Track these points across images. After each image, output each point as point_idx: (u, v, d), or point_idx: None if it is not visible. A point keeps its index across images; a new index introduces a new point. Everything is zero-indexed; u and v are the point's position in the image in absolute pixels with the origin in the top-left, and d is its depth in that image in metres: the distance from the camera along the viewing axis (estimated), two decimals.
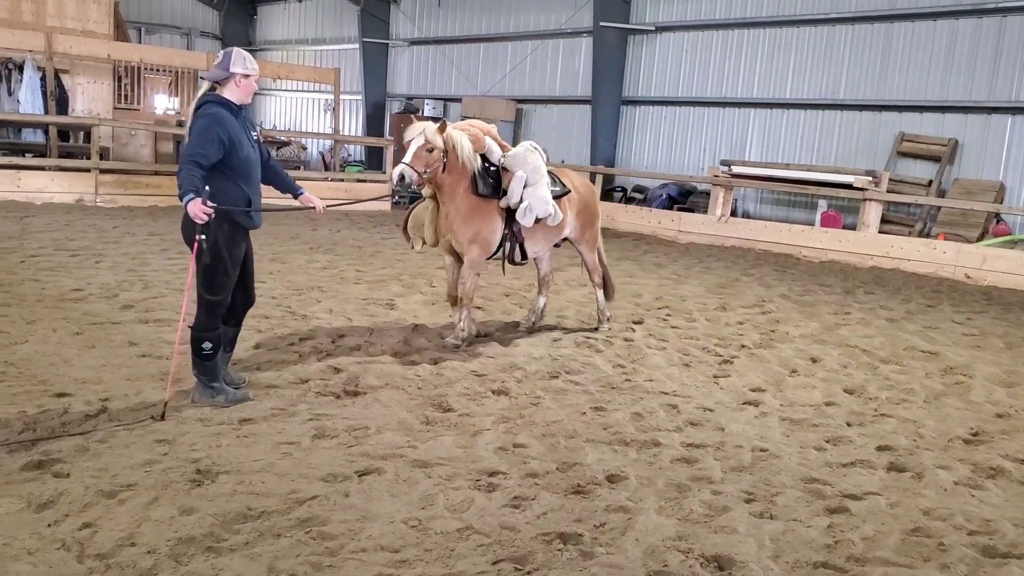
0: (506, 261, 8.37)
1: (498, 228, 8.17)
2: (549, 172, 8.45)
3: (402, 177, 7.47)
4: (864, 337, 9.82)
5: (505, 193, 8.12)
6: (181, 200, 5.54)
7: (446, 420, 6.13)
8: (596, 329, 9.22)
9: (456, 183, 7.86)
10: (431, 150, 7.55)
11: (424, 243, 8.32)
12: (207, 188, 5.57)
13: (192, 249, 5.77)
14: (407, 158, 7.51)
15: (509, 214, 8.19)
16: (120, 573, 3.80)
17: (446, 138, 7.70)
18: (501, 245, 8.26)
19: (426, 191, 8.05)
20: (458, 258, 8.27)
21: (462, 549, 4.20)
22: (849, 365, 8.53)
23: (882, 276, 14.98)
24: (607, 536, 4.45)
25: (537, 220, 8.19)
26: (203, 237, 5.66)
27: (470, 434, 5.86)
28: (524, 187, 8.08)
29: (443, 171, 7.74)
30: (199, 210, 5.45)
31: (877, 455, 5.99)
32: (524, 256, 8.48)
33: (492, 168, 8.18)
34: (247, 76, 5.88)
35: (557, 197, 8.41)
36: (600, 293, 9.38)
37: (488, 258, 8.34)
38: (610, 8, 22.97)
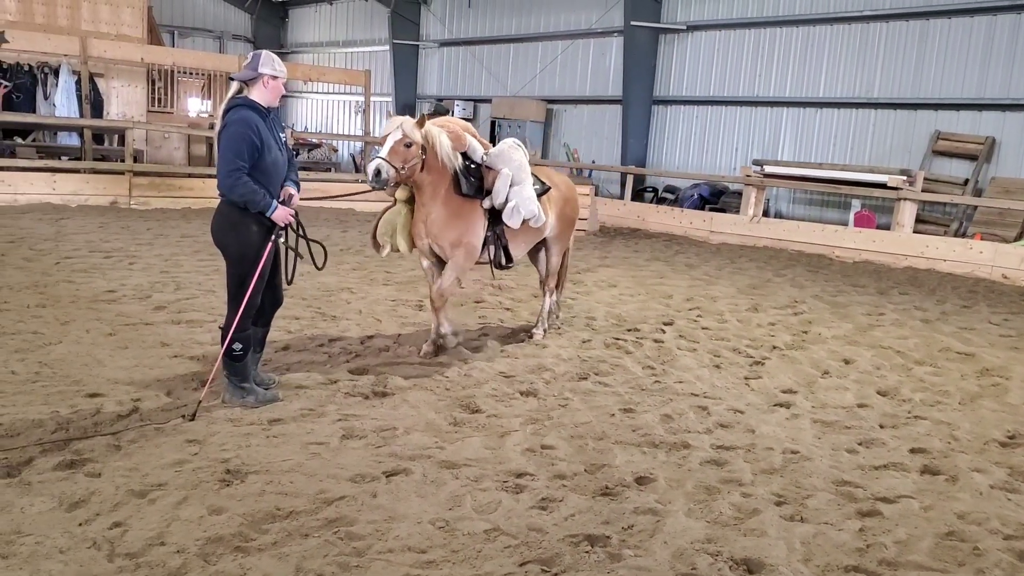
0: (492, 265, 7.96)
1: (482, 230, 7.68)
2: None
3: (378, 172, 6.87)
4: (898, 338, 9.70)
5: (489, 193, 7.64)
6: (265, 212, 5.80)
7: (474, 421, 6.12)
8: (531, 336, 8.66)
9: (437, 183, 7.36)
10: (409, 145, 7.00)
11: (396, 250, 7.74)
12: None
13: (226, 252, 5.94)
14: (383, 152, 6.96)
15: (492, 215, 7.71)
16: (149, 572, 3.83)
17: (425, 133, 7.14)
18: (484, 248, 7.80)
19: (400, 193, 7.51)
20: (439, 261, 7.77)
21: (489, 550, 4.19)
22: (882, 367, 8.43)
23: (917, 277, 14.80)
24: (635, 538, 4.42)
25: (523, 221, 7.76)
26: (282, 240, 6.00)
27: (498, 435, 5.85)
28: (510, 186, 7.61)
29: (422, 169, 7.19)
30: (287, 215, 5.90)
31: (911, 458, 5.90)
32: (509, 259, 7.97)
33: (473, 167, 7.65)
34: (275, 78, 5.92)
35: (539, 195, 7.95)
36: (548, 299, 8.87)
37: (475, 262, 7.91)
38: (641, 7, 22.89)
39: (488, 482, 5.02)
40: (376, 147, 7.29)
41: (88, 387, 6.29)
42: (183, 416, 5.78)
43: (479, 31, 28.98)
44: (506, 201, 7.61)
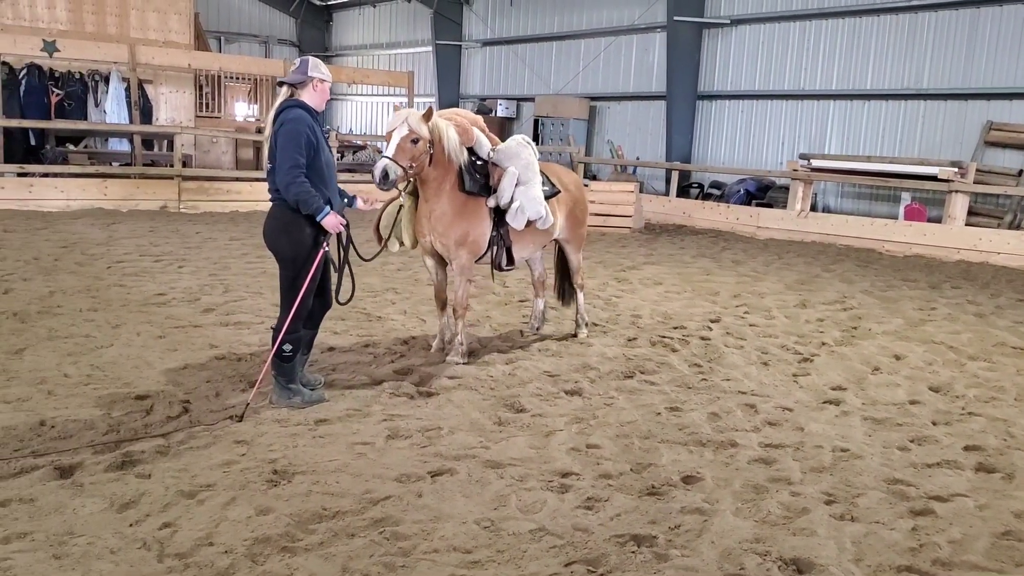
0: (493, 267, 7.63)
1: (488, 229, 7.37)
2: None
3: (385, 175, 6.53)
4: (951, 333, 9.51)
5: (494, 191, 7.34)
6: (316, 216, 5.83)
7: (519, 421, 6.11)
8: (575, 336, 8.60)
9: (441, 178, 7.06)
10: (416, 141, 6.67)
11: (401, 245, 7.50)
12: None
13: (279, 255, 6.02)
14: (389, 151, 6.63)
15: (497, 215, 7.40)
16: (198, 572, 3.86)
17: (432, 127, 6.83)
18: (489, 248, 7.48)
19: (401, 184, 7.06)
20: (440, 260, 7.59)
21: (534, 550, 4.18)
22: (935, 362, 8.27)
23: (969, 270, 14.51)
24: (682, 538, 4.38)
25: (528, 222, 7.43)
26: (327, 248, 6.05)
27: (543, 435, 5.83)
28: (516, 185, 7.29)
29: (428, 164, 6.92)
30: (338, 224, 5.92)
31: (965, 455, 5.78)
32: (511, 261, 7.60)
33: (480, 163, 7.36)
34: (324, 81, 6.00)
35: (548, 198, 7.64)
36: (581, 296, 8.71)
37: (476, 261, 7.56)
38: (684, 2, 22.71)
39: (533, 481, 5.01)
40: (382, 143, 7.08)
41: (138, 389, 6.38)
42: (231, 417, 5.84)
43: (521, 30, 28.97)
44: (511, 201, 7.32)
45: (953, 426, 6.39)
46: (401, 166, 6.61)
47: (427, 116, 6.83)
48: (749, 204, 20.58)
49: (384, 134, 6.94)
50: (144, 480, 4.80)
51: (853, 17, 20.42)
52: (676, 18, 22.67)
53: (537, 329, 8.73)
